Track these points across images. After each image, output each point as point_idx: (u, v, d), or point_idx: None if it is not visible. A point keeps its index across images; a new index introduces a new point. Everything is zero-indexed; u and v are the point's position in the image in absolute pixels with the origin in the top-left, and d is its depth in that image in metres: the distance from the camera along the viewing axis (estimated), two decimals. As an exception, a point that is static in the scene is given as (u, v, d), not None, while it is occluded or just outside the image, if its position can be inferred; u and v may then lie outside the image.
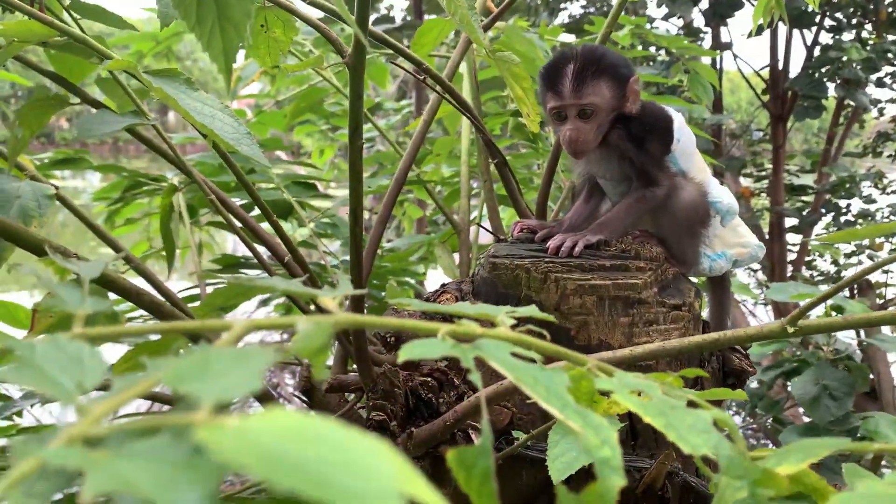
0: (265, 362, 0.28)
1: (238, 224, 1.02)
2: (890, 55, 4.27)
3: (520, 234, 0.96)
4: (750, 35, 4.18)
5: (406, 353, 0.40)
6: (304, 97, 1.48)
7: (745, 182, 4.92)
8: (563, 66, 0.91)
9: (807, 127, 5.94)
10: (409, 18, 3.33)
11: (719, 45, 4.19)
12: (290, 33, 0.83)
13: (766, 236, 4.30)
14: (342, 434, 0.23)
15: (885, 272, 4.39)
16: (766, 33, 4.22)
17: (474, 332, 0.43)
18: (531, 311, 0.48)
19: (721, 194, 0.97)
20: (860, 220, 4.32)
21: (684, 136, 0.95)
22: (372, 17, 2.75)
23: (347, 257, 1.54)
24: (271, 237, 1.01)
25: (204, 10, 0.44)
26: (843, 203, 4.34)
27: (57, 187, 1.06)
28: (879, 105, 5.28)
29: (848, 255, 4.62)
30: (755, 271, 4.86)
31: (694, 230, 0.93)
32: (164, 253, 1.11)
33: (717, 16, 3.96)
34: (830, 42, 4.13)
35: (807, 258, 4.75)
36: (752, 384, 2.60)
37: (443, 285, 0.94)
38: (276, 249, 1.01)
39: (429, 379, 0.83)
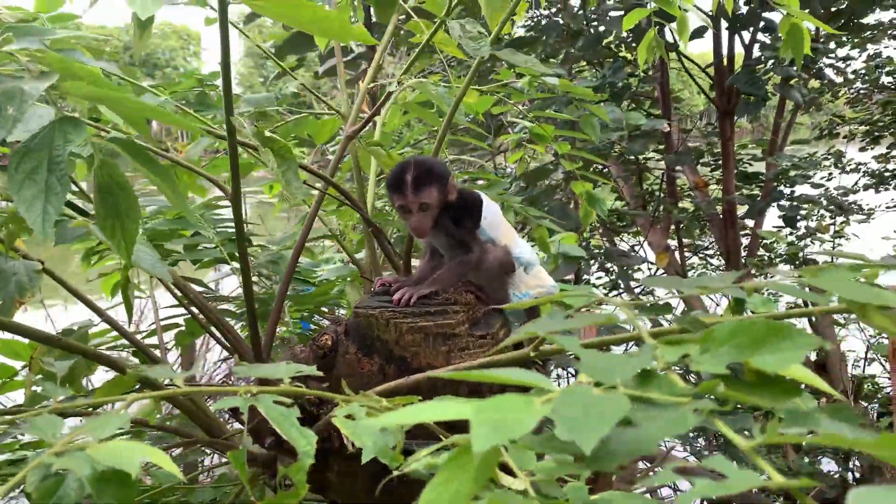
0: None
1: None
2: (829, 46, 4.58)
3: (379, 289, 1.32)
4: (691, 38, 4.44)
5: (220, 403, 0.75)
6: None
7: (703, 171, 5.25)
8: (403, 176, 1.27)
9: (765, 117, 6.23)
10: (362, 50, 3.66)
11: (666, 47, 4.49)
12: (193, 177, 1.18)
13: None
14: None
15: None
16: (710, 33, 4.53)
17: (262, 389, 0.78)
18: (300, 368, 0.83)
19: (523, 252, 1.33)
20: (804, 206, 4.63)
21: (490, 213, 1.31)
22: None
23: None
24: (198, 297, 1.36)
25: (108, 210, 0.77)
26: (787, 190, 4.64)
27: (42, 262, 1.41)
28: (834, 88, 5.59)
29: (800, 238, 4.94)
30: (711, 257, 5.18)
31: (502, 279, 1.29)
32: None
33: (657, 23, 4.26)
34: (768, 41, 4.44)
35: (766, 241, 5.08)
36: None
37: (325, 328, 1.29)
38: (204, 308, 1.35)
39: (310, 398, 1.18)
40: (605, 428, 0.50)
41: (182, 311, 1.79)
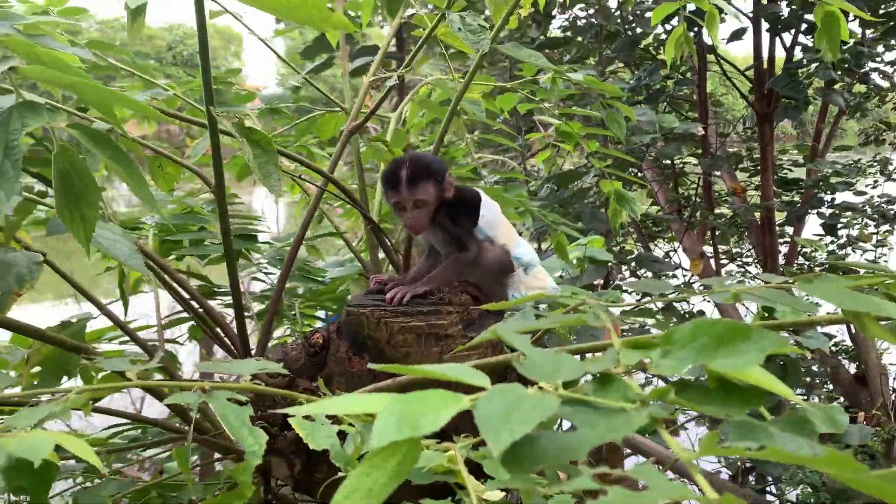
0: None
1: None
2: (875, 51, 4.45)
3: (374, 287, 1.30)
4: (730, 40, 4.36)
5: (171, 399, 0.74)
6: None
7: (742, 176, 5.14)
8: (398, 172, 1.24)
9: (811, 123, 6.09)
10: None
11: (702, 48, 4.40)
12: (178, 169, 1.17)
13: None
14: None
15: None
16: (751, 35, 4.43)
17: (216, 385, 0.76)
18: (266, 366, 0.81)
19: (524, 252, 1.30)
20: (846, 213, 4.51)
21: (488, 211, 1.28)
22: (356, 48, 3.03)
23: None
24: (195, 292, 1.35)
25: (67, 198, 0.76)
26: (828, 197, 4.52)
27: (44, 254, 1.42)
28: (881, 93, 5.43)
29: (841, 247, 4.81)
30: (748, 264, 5.07)
31: (500, 279, 1.26)
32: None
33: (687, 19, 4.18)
34: (810, 44, 4.32)
35: (806, 250, 4.95)
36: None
37: (317, 327, 1.28)
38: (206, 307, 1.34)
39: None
40: (523, 430, 0.47)
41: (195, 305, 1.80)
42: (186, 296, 1.36)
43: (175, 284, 1.35)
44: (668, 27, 4.43)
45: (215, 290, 1.86)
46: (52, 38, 0.83)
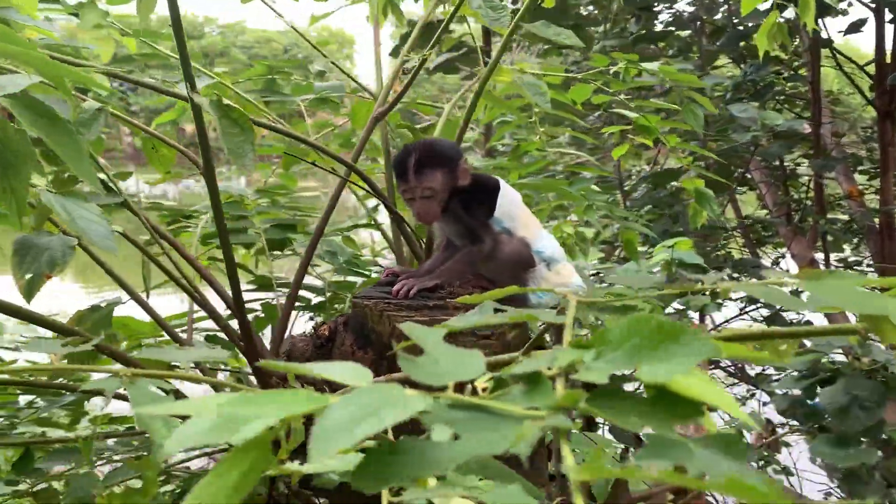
0: None
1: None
2: None
3: (385, 279, 1.23)
4: (846, 33, 4.08)
5: (87, 385, 0.69)
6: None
7: (861, 179, 4.79)
8: (406, 160, 1.18)
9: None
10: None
11: (816, 42, 4.13)
12: (172, 151, 1.14)
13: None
14: None
15: None
16: (873, 28, 4.12)
17: (138, 372, 0.71)
18: (209, 355, 0.76)
19: (545, 246, 1.20)
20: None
21: (507, 201, 1.19)
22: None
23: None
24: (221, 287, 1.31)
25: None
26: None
27: (80, 238, 1.43)
28: None
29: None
30: (864, 273, 4.71)
31: (517, 274, 1.16)
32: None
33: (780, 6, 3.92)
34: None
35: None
36: (795, 391, 2.65)
37: (324, 321, 1.22)
38: (223, 295, 1.31)
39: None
40: (353, 439, 0.39)
41: (264, 295, 1.78)
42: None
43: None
44: (780, 18, 4.17)
45: (275, 282, 1.85)
46: (17, 10, 0.82)
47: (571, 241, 2.53)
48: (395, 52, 3.79)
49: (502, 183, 1.23)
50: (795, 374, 2.71)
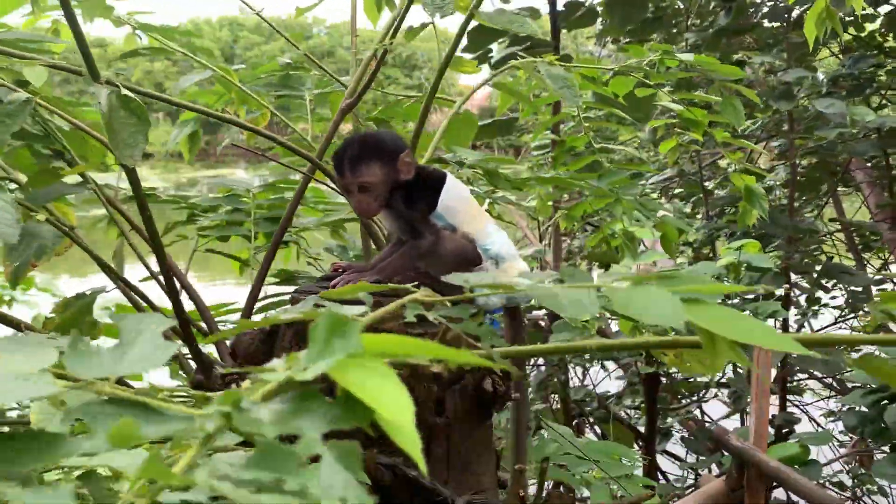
0: None
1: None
2: None
3: (330, 273, 1.21)
4: None
5: None
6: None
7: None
8: (343, 153, 1.15)
9: None
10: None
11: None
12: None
13: None
14: None
15: None
16: None
17: None
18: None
19: (493, 243, 1.15)
20: None
21: (451, 196, 1.15)
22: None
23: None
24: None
25: None
26: None
27: (73, 227, 1.47)
28: None
29: None
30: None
31: (460, 271, 1.11)
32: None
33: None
34: None
35: None
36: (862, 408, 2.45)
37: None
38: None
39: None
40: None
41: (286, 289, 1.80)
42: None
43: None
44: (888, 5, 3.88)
45: (295, 275, 1.86)
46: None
47: (619, 241, 2.43)
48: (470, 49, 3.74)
49: (449, 177, 1.18)
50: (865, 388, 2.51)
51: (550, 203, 2.62)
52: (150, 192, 1.77)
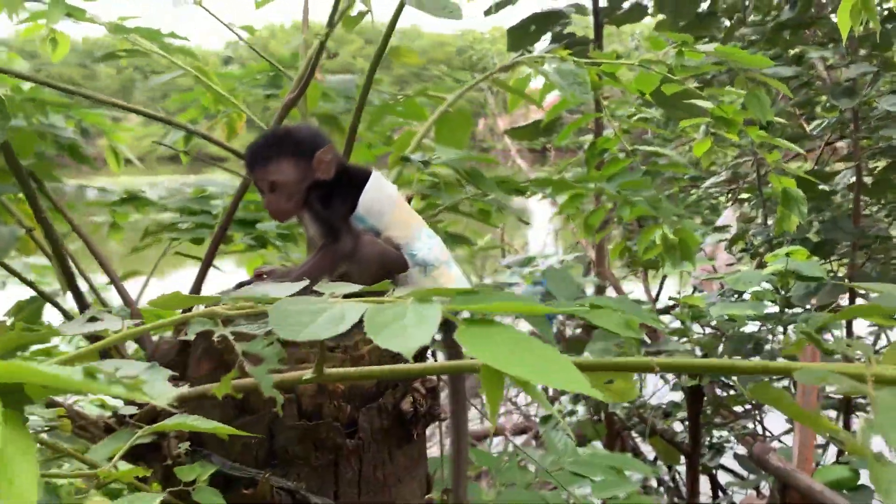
0: None
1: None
2: None
3: (251, 279, 1.12)
4: None
5: None
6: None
7: None
8: (253, 148, 1.07)
9: None
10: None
11: None
12: None
13: None
14: None
15: None
16: None
17: None
18: None
19: (420, 248, 1.04)
20: None
21: (372, 197, 1.06)
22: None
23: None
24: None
25: None
26: None
27: (31, 229, 1.44)
28: None
29: None
30: None
31: (378, 279, 1.01)
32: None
33: None
34: None
35: None
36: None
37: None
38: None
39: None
40: None
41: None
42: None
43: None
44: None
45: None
46: None
47: (658, 250, 2.26)
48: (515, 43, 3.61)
49: (375, 175, 1.08)
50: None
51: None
52: (140, 193, 1.74)
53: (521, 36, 3.45)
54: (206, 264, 1.25)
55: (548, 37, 3.42)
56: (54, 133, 1.68)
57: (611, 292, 3.60)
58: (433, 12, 1.11)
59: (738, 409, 3.48)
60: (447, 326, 1.08)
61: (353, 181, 1.07)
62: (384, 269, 1.03)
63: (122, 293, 1.19)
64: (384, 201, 1.08)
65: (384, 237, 1.05)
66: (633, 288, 4.25)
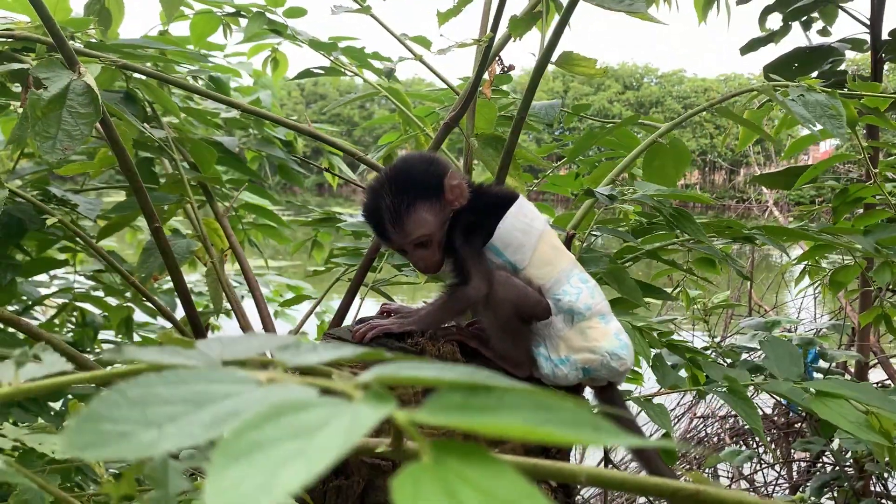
0: None
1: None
2: None
3: (369, 317, 0.98)
4: None
5: None
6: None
7: None
8: (379, 209, 0.89)
9: None
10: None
11: None
12: None
13: None
14: None
15: None
16: None
17: None
18: None
19: (568, 291, 0.82)
20: None
21: (512, 226, 0.87)
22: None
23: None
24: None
25: None
26: None
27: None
28: None
29: None
30: None
31: (513, 328, 0.81)
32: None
33: None
34: None
35: None
36: None
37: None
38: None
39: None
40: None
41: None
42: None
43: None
44: None
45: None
46: None
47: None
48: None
49: (520, 202, 0.89)
50: None
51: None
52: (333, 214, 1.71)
53: (780, 75, 3.04)
54: (352, 292, 1.14)
55: (813, 76, 3.01)
56: (268, 154, 1.69)
57: (878, 373, 3.06)
58: (612, 6, 0.92)
59: None
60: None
61: (490, 207, 0.90)
62: (520, 314, 0.84)
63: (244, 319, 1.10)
64: (527, 231, 0.89)
65: (523, 275, 0.87)
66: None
